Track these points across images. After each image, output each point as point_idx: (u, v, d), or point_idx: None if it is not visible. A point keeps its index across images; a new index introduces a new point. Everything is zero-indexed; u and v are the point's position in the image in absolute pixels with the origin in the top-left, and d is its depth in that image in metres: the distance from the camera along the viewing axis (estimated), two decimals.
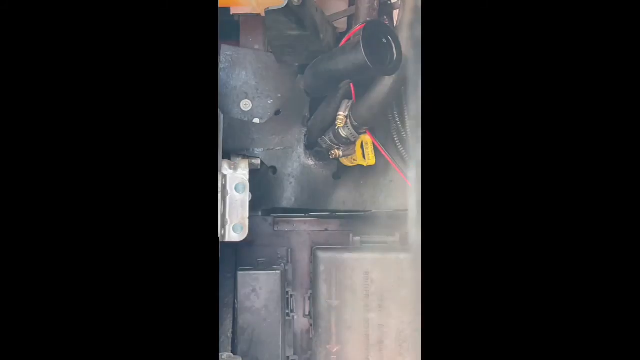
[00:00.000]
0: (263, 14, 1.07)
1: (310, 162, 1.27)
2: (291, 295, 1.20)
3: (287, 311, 1.18)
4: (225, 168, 1.09)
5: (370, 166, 1.22)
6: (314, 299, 1.20)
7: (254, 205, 1.22)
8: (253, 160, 1.21)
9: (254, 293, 1.14)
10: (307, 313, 1.24)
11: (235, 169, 1.10)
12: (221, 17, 1.25)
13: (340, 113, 1.13)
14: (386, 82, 1.06)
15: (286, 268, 1.23)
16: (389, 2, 1.19)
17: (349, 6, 1.26)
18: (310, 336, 1.22)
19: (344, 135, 1.15)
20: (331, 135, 1.17)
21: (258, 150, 1.25)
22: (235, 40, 1.30)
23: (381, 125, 1.21)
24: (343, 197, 1.28)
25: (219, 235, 1.05)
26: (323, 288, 1.19)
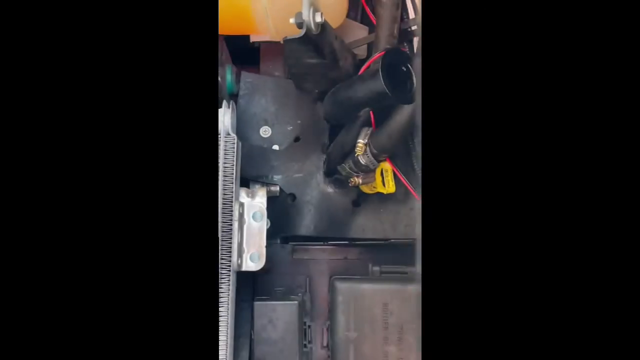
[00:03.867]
0: (282, 42, 1.07)
1: (330, 190, 1.25)
2: (309, 326, 1.18)
3: (304, 342, 1.15)
4: (242, 196, 1.08)
5: (390, 194, 1.20)
6: (332, 330, 1.17)
7: (272, 233, 1.21)
8: (272, 188, 1.21)
9: (271, 324, 1.11)
10: (325, 344, 1.21)
11: (253, 196, 1.09)
12: (241, 45, 1.27)
13: (359, 141, 1.12)
14: (405, 111, 1.04)
15: (304, 298, 1.20)
16: (409, 30, 1.18)
17: (369, 33, 1.26)
18: None
19: (363, 163, 1.14)
20: (350, 162, 1.16)
21: (277, 177, 1.24)
22: (255, 67, 1.31)
23: (401, 153, 1.20)
24: (362, 225, 1.26)
25: (236, 265, 1.04)
26: (341, 319, 1.16)
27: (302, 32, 0.96)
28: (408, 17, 1.17)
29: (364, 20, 1.29)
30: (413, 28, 1.17)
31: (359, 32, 1.27)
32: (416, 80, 0.99)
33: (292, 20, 0.97)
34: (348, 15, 1.26)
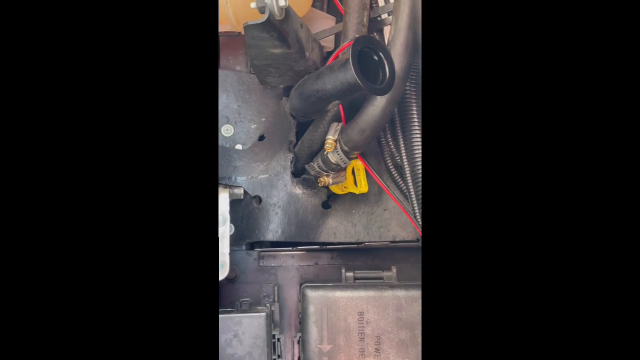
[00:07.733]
0: (243, 32, 0.99)
1: (298, 191, 1.18)
2: (278, 340, 1.09)
3: (273, 357, 1.06)
4: None
5: (362, 194, 1.16)
6: (303, 343, 1.09)
7: (236, 239, 1.14)
8: (235, 190, 1.13)
9: (237, 338, 1.03)
10: (296, 359, 1.13)
11: None
12: None
13: (329, 137, 1.05)
14: (378, 103, 0.98)
15: (272, 308, 1.12)
16: (379, 18, 1.12)
17: (336, 23, 1.19)
18: None
19: (333, 161, 1.07)
20: (320, 161, 1.09)
21: (241, 179, 1.17)
22: None
23: (373, 150, 1.14)
24: (334, 228, 1.19)
25: None
26: (313, 331, 1.08)
27: (264, 17, 0.88)
28: (377, 4, 1.11)
29: (331, 10, 1.23)
30: (383, 17, 1.11)
31: (326, 22, 1.20)
32: (389, 69, 0.92)
33: (253, 5, 0.89)
34: (313, 5, 1.19)
